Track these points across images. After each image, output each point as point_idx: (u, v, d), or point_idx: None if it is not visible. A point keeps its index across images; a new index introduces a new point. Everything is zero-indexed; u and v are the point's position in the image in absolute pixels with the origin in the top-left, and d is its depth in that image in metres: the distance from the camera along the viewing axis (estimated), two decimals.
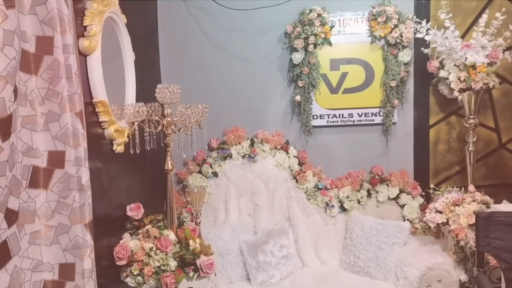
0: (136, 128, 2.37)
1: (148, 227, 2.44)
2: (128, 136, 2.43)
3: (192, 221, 3.32)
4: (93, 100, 2.10)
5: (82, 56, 2.01)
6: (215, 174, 3.36)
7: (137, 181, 2.76)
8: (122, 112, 2.38)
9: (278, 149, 3.37)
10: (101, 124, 2.20)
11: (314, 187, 3.33)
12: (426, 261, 2.71)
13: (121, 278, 2.31)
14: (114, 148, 2.34)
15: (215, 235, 3.11)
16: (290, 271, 3.12)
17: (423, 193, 3.26)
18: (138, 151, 2.38)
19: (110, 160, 2.33)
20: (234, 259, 3.07)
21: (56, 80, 1.57)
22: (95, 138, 2.16)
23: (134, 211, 2.48)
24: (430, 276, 2.67)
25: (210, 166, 3.37)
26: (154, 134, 2.47)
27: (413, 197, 3.25)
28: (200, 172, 3.38)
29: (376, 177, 3.31)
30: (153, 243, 2.35)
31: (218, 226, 3.25)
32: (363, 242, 3.09)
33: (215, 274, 2.53)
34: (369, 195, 3.31)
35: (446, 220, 2.73)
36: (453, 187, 3.04)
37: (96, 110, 2.13)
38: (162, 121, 2.46)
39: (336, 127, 3.40)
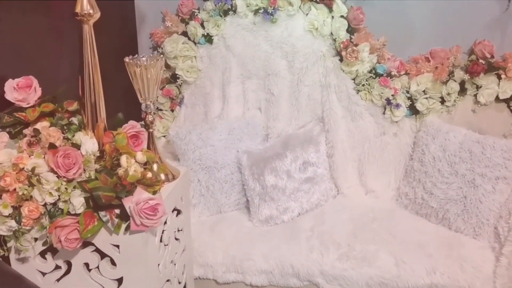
0: None
1: (42, 124, 1.26)
2: None
3: (172, 111, 2.17)
4: None
5: None
6: (208, 39, 2.07)
7: (31, 37, 1.52)
8: None
9: (316, 1, 1.99)
10: None
11: (370, 72, 2.01)
12: None
13: None
14: None
15: (201, 137, 1.92)
16: (316, 203, 1.97)
17: None
18: None
19: None
20: (228, 178, 1.93)
21: None
22: None
23: (21, 91, 1.29)
24: None
25: (202, 25, 2.06)
26: None
27: None
28: (185, 33, 2.09)
29: (481, 61, 1.93)
30: (43, 158, 1.19)
31: (208, 123, 2.04)
32: (443, 170, 1.84)
33: (165, 223, 1.38)
34: (462, 90, 1.97)
35: None
36: None
37: None
38: None
39: None
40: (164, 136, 2.15)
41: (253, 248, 1.74)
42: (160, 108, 2.18)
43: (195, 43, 2.08)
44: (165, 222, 1.38)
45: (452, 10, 1.99)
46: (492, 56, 1.93)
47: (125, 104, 1.75)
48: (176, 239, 1.47)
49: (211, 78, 2.11)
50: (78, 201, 1.17)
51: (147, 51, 2.21)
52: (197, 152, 1.90)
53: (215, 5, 2.03)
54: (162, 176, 1.42)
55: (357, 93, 2.02)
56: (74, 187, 1.19)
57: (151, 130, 1.43)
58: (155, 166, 1.40)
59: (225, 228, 1.84)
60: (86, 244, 1.23)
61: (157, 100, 2.15)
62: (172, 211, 1.44)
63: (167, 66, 2.11)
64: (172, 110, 2.18)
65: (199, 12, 2.07)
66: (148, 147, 1.43)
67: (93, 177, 1.21)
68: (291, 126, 2.08)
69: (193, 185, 1.90)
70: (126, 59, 1.35)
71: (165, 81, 2.14)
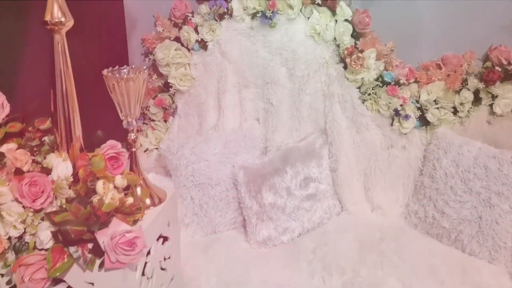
0: None
1: (8, 146, 1.13)
2: None
3: (165, 122, 2.04)
4: None
5: None
6: (202, 45, 1.93)
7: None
8: None
9: (318, 4, 1.85)
10: None
11: (377, 80, 1.86)
12: None
13: None
14: None
15: (194, 151, 1.79)
16: (318, 221, 1.83)
17: None
18: None
19: None
20: (223, 196, 1.79)
21: None
22: None
23: None
24: None
25: (195, 30, 1.93)
26: None
27: None
28: (178, 39, 1.95)
29: (497, 68, 1.78)
30: (7, 185, 1.06)
31: (202, 136, 1.91)
32: (456, 187, 1.69)
33: (149, 253, 1.25)
34: (476, 100, 1.82)
35: None
36: None
37: None
38: None
39: None
40: (157, 148, 2.02)
41: (249, 273, 1.60)
42: (152, 119, 2.05)
43: (188, 50, 1.94)
44: (148, 253, 1.24)
45: (466, 12, 1.84)
46: (509, 63, 1.77)
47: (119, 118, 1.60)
48: (162, 269, 1.34)
49: (205, 87, 1.97)
50: (46, 235, 1.04)
51: (139, 58, 2.08)
52: (189, 167, 1.76)
53: (210, 9, 1.90)
54: (147, 201, 1.29)
55: (363, 103, 1.88)
56: (42, 219, 1.06)
57: (133, 149, 1.30)
58: (138, 190, 1.27)
59: (219, 250, 1.71)
60: (57, 281, 1.10)
61: (148, 110, 2.03)
62: (157, 239, 1.31)
63: (159, 74, 1.98)
64: (165, 121, 2.05)
65: (192, 16, 1.93)
66: (131, 169, 1.29)
67: (64, 206, 1.07)
68: (291, 138, 1.93)
69: (186, 203, 1.76)
70: (104, 72, 1.22)
71: (157, 90, 2.01)
